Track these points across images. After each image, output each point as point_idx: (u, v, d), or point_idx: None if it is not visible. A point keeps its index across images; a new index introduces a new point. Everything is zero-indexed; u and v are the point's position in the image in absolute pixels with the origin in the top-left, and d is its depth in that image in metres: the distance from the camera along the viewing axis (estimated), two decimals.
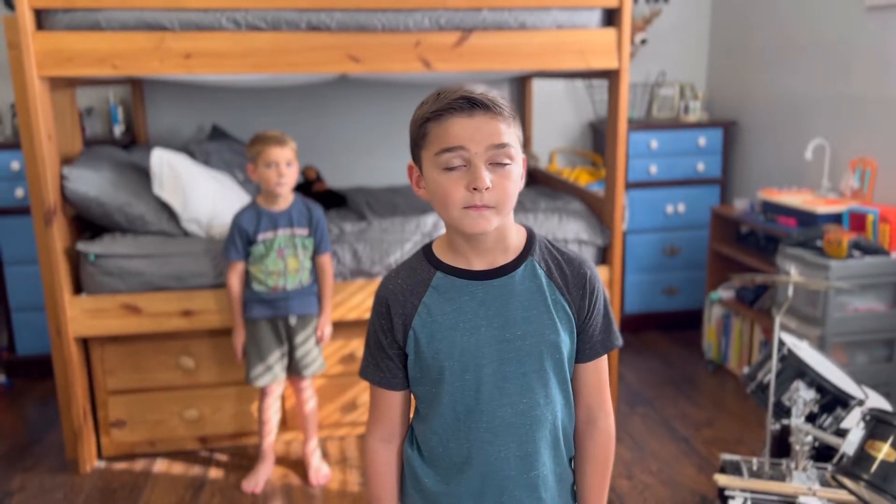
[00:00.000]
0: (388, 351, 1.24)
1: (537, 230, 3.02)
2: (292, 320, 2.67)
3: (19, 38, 2.50)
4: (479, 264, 1.21)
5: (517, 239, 1.23)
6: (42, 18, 2.55)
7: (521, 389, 1.20)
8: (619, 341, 1.29)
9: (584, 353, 1.25)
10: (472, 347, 1.19)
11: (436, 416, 1.23)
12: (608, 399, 1.31)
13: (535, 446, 1.22)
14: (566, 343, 1.22)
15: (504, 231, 1.20)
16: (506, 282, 1.20)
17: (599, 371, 1.28)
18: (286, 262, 2.63)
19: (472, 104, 1.12)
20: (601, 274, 3.02)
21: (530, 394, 1.20)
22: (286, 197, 2.65)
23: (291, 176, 2.59)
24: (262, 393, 2.73)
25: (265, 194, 2.64)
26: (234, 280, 2.65)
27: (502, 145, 1.13)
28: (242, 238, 2.62)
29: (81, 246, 2.76)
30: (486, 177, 1.12)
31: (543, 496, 1.25)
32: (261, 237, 2.61)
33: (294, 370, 2.72)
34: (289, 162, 2.57)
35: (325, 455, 2.93)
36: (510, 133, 1.14)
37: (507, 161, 1.14)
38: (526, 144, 4.34)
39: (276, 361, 2.68)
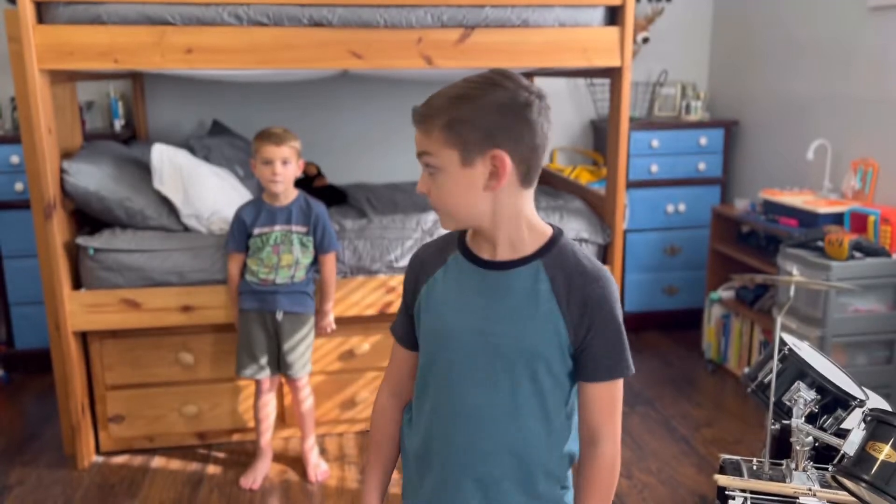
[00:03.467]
0: (407, 309, 1.32)
1: None
2: (279, 316, 2.67)
3: (20, 32, 2.49)
4: (486, 254, 1.23)
5: (532, 239, 1.21)
6: (43, 12, 2.54)
7: (485, 384, 1.21)
8: (628, 371, 1.23)
9: (587, 371, 1.22)
10: (453, 330, 1.22)
11: (421, 385, 1.29)
12: (615, 425, 1.25)
13: (491, 445, 1.22)
14: (551, 357, 1.19)
15: (509, 229, 1.20)
16: (502, 277, 1.20)
17: (605, 395, 1.23)
18: (280, 258, 2.64)
19: (413, 114, 1.17)
20: None
21: (493, 392, 1.21)
22: (287, 193, 2.65)
23: (286, 174, 2.60)
24: (257, 389, 2.74)
25: (266, 190, 2.65)
26: (233, 268, 2.71)
27: (421, 153, 1.17)
28: (241, 230, 2.65)
29: (81, 240, 2.75)
30: (422, 182, 1.18)
31: (493, 497, 1.24)
32: (257, 231, 2.63)
33: (283, 370, 2.72)
34: (285, 160, 2.57)
35: (324, 452, 2.93)
36: (430, 142, 1.14)
37: (433, 168, 1.16)
38: None
39: (263, 355, 2.68)
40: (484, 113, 1.12)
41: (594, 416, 1.23)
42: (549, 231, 1.23)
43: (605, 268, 1.23)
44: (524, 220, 1.20)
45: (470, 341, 1.21)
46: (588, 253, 1.24)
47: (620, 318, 1.21)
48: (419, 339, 1.29)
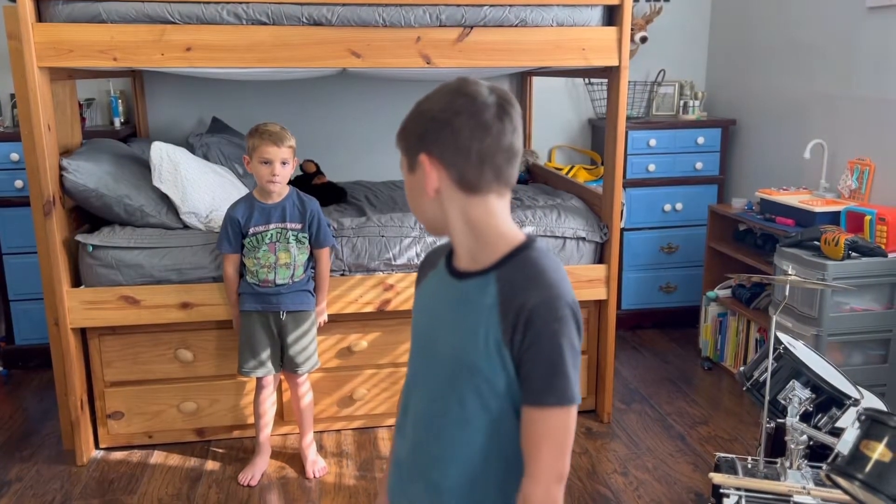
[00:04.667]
0: None
1: (536, 226, 3.04)
2: (282, 315, 2.67)
3: (19, 29, 2.49)
4: (455, 262, 1.22)
5: (492, 250, 1.16)
6: (42, 9, 2.55)
7: (437, 392, 1.20)
8: (560, 400, 1.09)
9: (522, 392, 1.12)
10: (420, 334, 1.25)
11: (404, 387, 1.31)
12: (543, 463, 1.10)
13: (441, 453, 1.20)
14: (494, 374, 1.13)
15: (464, 237, 1.18)
16: (460, 287, 1.19)
17: (533, 422, 1.11)
18: (277, 256, 2.64)
19: None
20: (598, 272, 3.04)
21: (443, 402, 1.19)
22: (280, 190, 2.65)
23: (285, 174, 2.60)
24: (257, 386, 2.75)
25: (259, 188, 2.65)
26: (229, 268, 2.69)
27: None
28: (235, 230, 2.63)
29: (80, 237, 2.76)
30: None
31: (439, 502, 1.22)
32: (252, 230, 2.62)
33: (288, 367, 2.73)
34: (284, 161, 2.57)
35: (322, 448, 2.94)
36: (399, 149, 1.19)
37: (404, 172, 1.20)
38: (525, 141, 4.35)
39: (268, 355, 2.69)
40: (418, 119, 1.15)
41: (524, 446, 1.13)
42: (516, 241, 1.17)
43: (563, 286, 1.11)
44: (479, 229, 1.16)
45: (427, 348, 1.22)
46: (553, 268, 1.13)
47: (560, 341, 1.09)
48: None
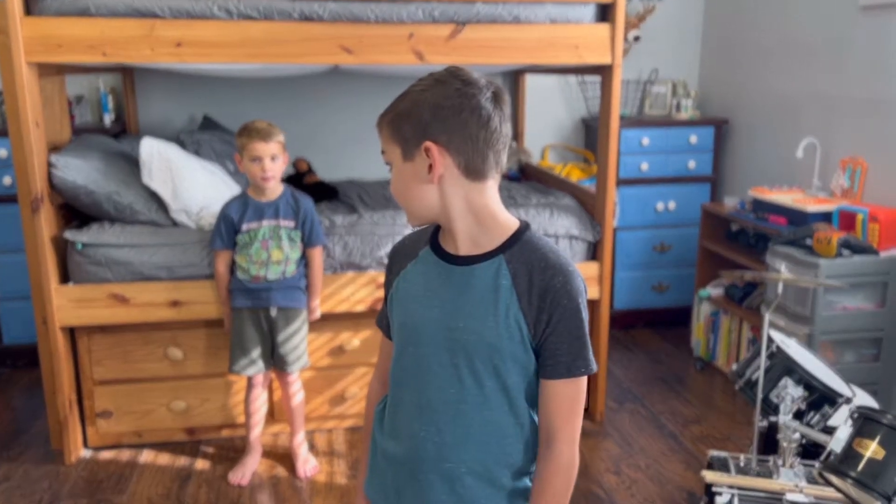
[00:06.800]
0: (386, 300, 1.33)
1: None
2: (273, 312, 2.66)
3: (7, 23, 2.47)
4: (451, 248, 1.24)
5: (494, 234, 1.21)
6: (30, 3, 2.53)
7: (450, 378, 1.21)
8: (588, 368, 1.20)
9: (545, 368, 1.20)
10: (420, 324, 1.23)
11: (392, 379, 1.30)
12: (573, 426, 1.22)
13: (456, 439, 1.22)
14: (513, 352, 1.19)
15: (465, 223, 1.21)
16: (466, 271, 1.21)
17: (562, 394, 1.21)
18: (269, 253, 2.63)
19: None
20: (590, 271, 3.03)
21: (459, 386, 1.21)
22: (274, 188, 2.64)
23: (276, 169, 2.60)
24: (248, 385, 2.73)
25: (253, 185, 2.64)
26: (221, 266, 2.68)
27: (382, 152, 1.24)
28: (228, 227, 2.63)
29: (69, 234, 2.74)
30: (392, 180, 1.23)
31: (459, 492, 1.23)
32: (245, 227, 2.62)
33: (278, 365, 2.71)
34: (273, 156, 2.57)
35: (313, 447, 2.92)
36: (383, 139, 1.22)
37: (388, 165, 1.23)
38: (518, 139, 4.34)
39: (258, 353, 2.68)
40: (419, 108, 1.17)
41: (551, 416, 1.21)
42: (514, 225, 1.22)
43: (572, 263, 1.21)
44: (481, 214, 1.20)
45: (434, 336, 1.22)
46: (556, 248, 1.22)
47: (583, 315, 1.19)
48: (391, 332, 1.31)
